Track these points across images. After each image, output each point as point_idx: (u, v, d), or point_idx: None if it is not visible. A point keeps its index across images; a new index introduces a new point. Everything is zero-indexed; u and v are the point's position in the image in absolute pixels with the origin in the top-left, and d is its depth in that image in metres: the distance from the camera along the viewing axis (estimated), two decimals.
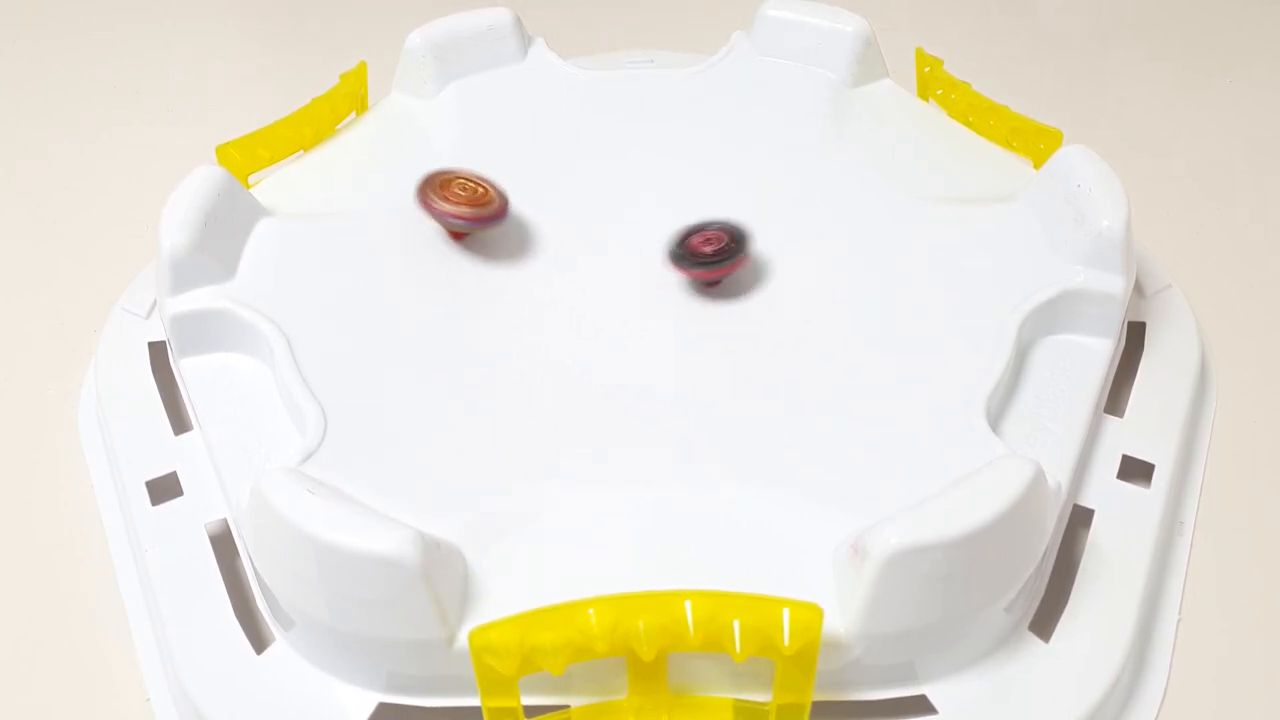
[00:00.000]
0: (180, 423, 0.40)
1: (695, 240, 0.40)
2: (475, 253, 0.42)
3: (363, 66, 0.49)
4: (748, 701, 0.32)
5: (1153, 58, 0.62)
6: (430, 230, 0.43)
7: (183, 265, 0.39)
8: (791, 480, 0.35)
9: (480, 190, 0.41)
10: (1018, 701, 0.33)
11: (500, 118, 0.47)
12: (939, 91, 0.48)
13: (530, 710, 0.31)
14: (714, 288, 0.41)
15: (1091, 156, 0.41)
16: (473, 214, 0.41)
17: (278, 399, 0.38)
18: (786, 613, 0.29)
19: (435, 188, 0.41)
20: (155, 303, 0.43)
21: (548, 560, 0.33)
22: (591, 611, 0.30)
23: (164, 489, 0.38)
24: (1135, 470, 0.39)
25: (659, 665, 0.31)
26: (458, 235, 0.42)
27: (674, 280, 0.41)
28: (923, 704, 0.33)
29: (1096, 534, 0.37)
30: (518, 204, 0.44)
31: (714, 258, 0.40)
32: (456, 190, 0.41)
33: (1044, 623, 0.35)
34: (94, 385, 0.43)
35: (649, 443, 0.36)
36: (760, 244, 0.42)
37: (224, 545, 0.37)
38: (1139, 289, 0.45)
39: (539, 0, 0.59)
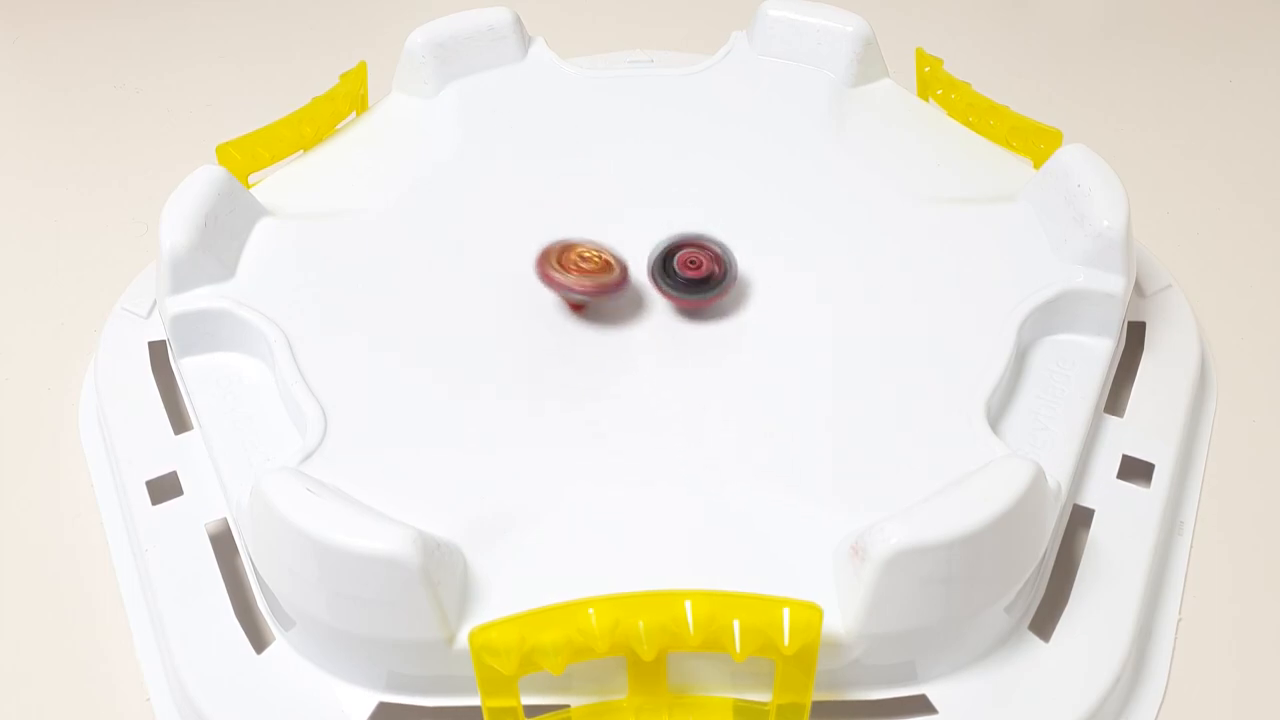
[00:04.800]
0: (180, 423, 0.40)
1: (681, 260, 0.39)
2: (475, 252, 0.42)
3: (363, 66, 0.49)
4: (748, 701, 0.32)
5: (1153, 57, 0.62)
6: (430, 229, 0.43)
7: (183, 265, 0.39)
8: (791, 480, 0.35)
9: (602, 261, 0.40)
10: (1018, 701, 0.33)
11: (500, 118, 0.47)
12: (939, 91, 0.48)
13: (530, 710, 0.31)
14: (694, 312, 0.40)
15: (1091, 156, 0.41)
16: (593, 285, 0.39)
17: (278, 399, 0.38)
18: (786, 613, 0.29)
19: (555, 259, 0.40)
20: (155, 303, 0.43)
21: (548, 560, 0.33)
22: (591, 611, 0.30)
23: (164, 489, 0.38)
24: (1135, 470, 0.39)
25: (659, 665, 0.31)
26: (576, 306, 0.41)
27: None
28: (923, 704, 0.33)
29: (1096, 534, 0.37)
30: (518, 203, 0.44)
31: (698, 287, 0.39)
32: (577, 261, 0.40)
33: (1044, 623, 0.35)
34: (94, 385, 0.43)
35: (649, 442, 0.36)
36: (760, 243, 0.42)
37: (224, 545, 0.37)
38: (1139, 289, 0.45)
39: (539, 0, 0.59)
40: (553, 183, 0.45)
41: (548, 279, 0.39)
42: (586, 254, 0.40)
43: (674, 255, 0.40)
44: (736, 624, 0.30)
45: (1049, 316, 0.39)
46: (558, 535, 0.34)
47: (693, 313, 0.40)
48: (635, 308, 0.40)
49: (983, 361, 0.37)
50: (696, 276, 0.39)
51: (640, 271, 0.41)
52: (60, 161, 0.57)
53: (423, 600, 0.30)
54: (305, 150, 0.46)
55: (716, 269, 0.40)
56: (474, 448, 0.36)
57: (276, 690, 0.33)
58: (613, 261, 0.40)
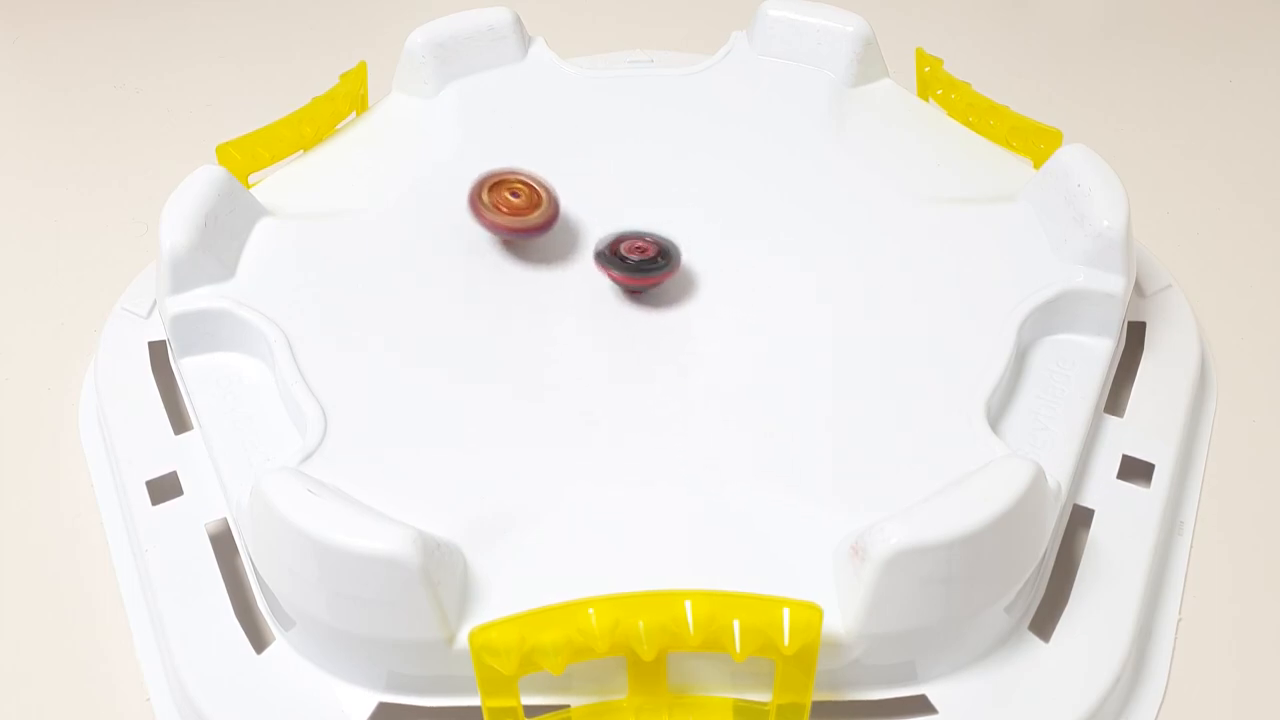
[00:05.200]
0: (180, 423, 0.40)
1: (626, 246, 0.40)
2: (475, 252, 0.42)
3: (363, 66, 0.49)
4: (748, 701, 0.32)
5: (1153, 57, 0.62)
6: (430, 229, 0.43)
7: (183, 265, 0.39)
8: (791, 480, 0.35)
9: (531, 194, 0.41)
10: (1018, 701, 0.33)
11: (500, 118, 0.47)
12: (939, 91, 0.48)
13: (530, 710, 0.31)
14: (638, 295, 0.40)
15: (1091, 156, 0.41)
16: (518, 224, 0.41)
17: (278, 399, 0.38)
18: (786, 613, 0.30)
19: (484, 193, 0.41)
20: (155, 303, 0.43)
21: (548, 560, 0.33)
22: (591, 611, 0.30)
23: (164, 489, 0.38)
24: (1135, 470, 0.39)
25: (659, 665, 0.31)
26: (509, 240, 0.42)
27: (673, 280, 0.41)
28: (923, 704, 0.33)
29: (1096, 534, 0.37)
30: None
31: (638, 266, 0.40)
32: (507, 196, 0.41)
33: (1044, 623, 0.35)
34: (94, 385, 0.43)
35: (649, 442, 0.36)
36: (760, 243, 0.42)
37: (224, 545, 0.37)
38: (1139, 289, 0.45)
39: (539, 0, 0.59)
40: (553, 183, 0.45)
41: (475, 212, 0.41)
42: (518, 189, 0.41)
43: (620, 245, 0.40)
44: (736, 624, 0.30)
45: (1049, 316, 0.39)
46: (558, 535, 0.34)
47: (692, 313, 0.40)
48: (635, 308, 0.40)
49: (983, 361, 0.37)
50: (643, 257, 0.40)
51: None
52: (60, 161, 0.57)
53: (423, 600, 0.30)
54: (305, 150, 0.46)
55: (659, 253, 0.40)
56: (474, 447, 0.36)
57: (276, 690, 0.33)
58: (544, 197, 0.41)
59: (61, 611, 0.38)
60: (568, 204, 0.44)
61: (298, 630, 0.33)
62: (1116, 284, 0.39)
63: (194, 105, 0.60)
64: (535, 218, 0.41)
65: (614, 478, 0.35)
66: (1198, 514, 0.40)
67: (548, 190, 0.42)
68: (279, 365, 0.38)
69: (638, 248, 0.40)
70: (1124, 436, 0.39)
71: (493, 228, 0.41)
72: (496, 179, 0.42)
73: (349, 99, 0.48)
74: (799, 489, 0.35)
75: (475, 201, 0.41)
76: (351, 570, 0.31)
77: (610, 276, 0.40)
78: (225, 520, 0.37)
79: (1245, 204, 0.53)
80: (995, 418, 0.37)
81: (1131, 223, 0.40)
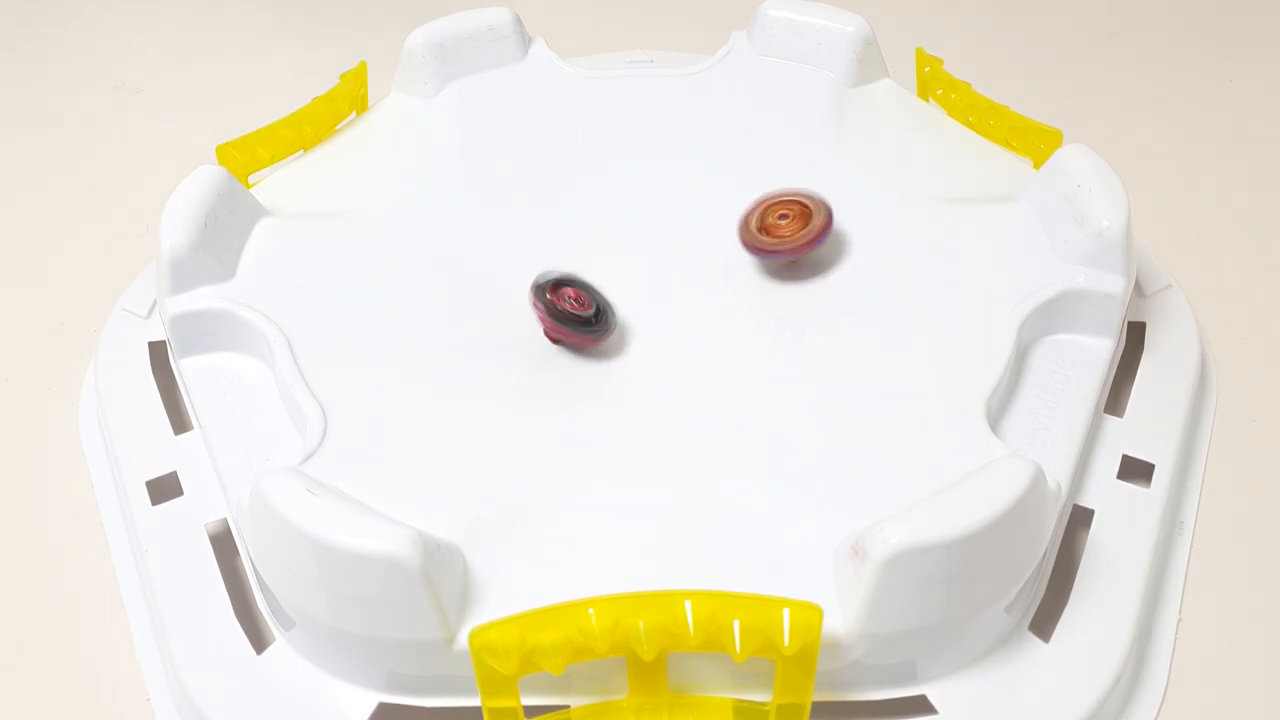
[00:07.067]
0: (180, 423, 0.40)
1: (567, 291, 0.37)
2: (475, 253, 0.42)
3: (363, 66, 0.49)
4: (748, 701, 0.32)
5: (1153, 58, 0.62)
6: (430, 229, 0.43)
7: (183, 265, 0.39)
8: (791, 480, 0.35)
9: (800, 210, 0.40)
10: (1018, 701, 0.33)
11: (500, 118, 0.47)
12: (939, 91, 0.48)
13: (530, 710, 0.31)
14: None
15: (1091, 156, 0.41)
16: (798, 243, 0.40)
17: (278, 399, 0.38)
18: (786, 613, 0.29)
19: (754, 226, 0.41)
20: (155, 303, 0.43)
21: (548, 560, 0.33)
22: (591, 611, 0.30)
23: (164, 489, 0.38)
24: (1135, 470, 0.39)
25: (659, 665, 0.31)
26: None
27: (671, 282, 0.41)
28: (923, 704, 0.33)
29: (1096, 534, 0.37)
30: (518, 203, 0.44)
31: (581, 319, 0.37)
32: (776, 220, 0.40)
33: (1044, 623, 0.35)
34: (94, 385, 0.43)
35: (649, 442, 0.36)
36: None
37: (224, 545, 0.37)
38: (1139, 289, 0.45)
39: (539, 0, 0.59)
40: (553, 183, 0.45)
41: (752, 250, 0.40)
42: (787, 211, 0.40)
43: (561, 288, 0.38)
44: (736, 624, 0.30)
45: (1049, 316, 0.39)
46: (558, 535, 0.34)
47: (690, 315, 0.40)
48: (634, 308, 0.40)
49: (983, 361, 0.37)
50: (580, 313, 0.37)
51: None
52: (60, 161, 0.56)
53: (423, 600, 0.31)
54: (305, 150, 0.46)
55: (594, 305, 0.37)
56: (474, 448, 0.36)
57: (276, 690, 0.33)
58: (811, 207, 0.40)
59: (61, 611, 0.38)
60: (567, 204, 0.44)
61: (298, 630, 0.33)
62: (1116, 284, 0.39)
63: (194, 105, 0.60)
64: (810, 231, 0.40)
65: (614, 478, 0.35)
66: (1198, 514, 0.40)
67: (813, 201, 0.41)
68: (279, 365, 0.38)
69: (575, 298, 0.38)
70: (1124, 436, 0.39)
71: (777, 256, 0.40)
72: (762, 207, 0.41)
73: (349, 99, 0.48)
74: (799, 489, 0.35)
75: (749, 240, 0.41)
76: (351, 570, 0.31)
77: (540, 318, 0.37)
78: (225, 520, 0.37)
79: (1245, 204, 0.53)
80: (995, 418, 0.37)
81: (1131, 223, 0.40)
